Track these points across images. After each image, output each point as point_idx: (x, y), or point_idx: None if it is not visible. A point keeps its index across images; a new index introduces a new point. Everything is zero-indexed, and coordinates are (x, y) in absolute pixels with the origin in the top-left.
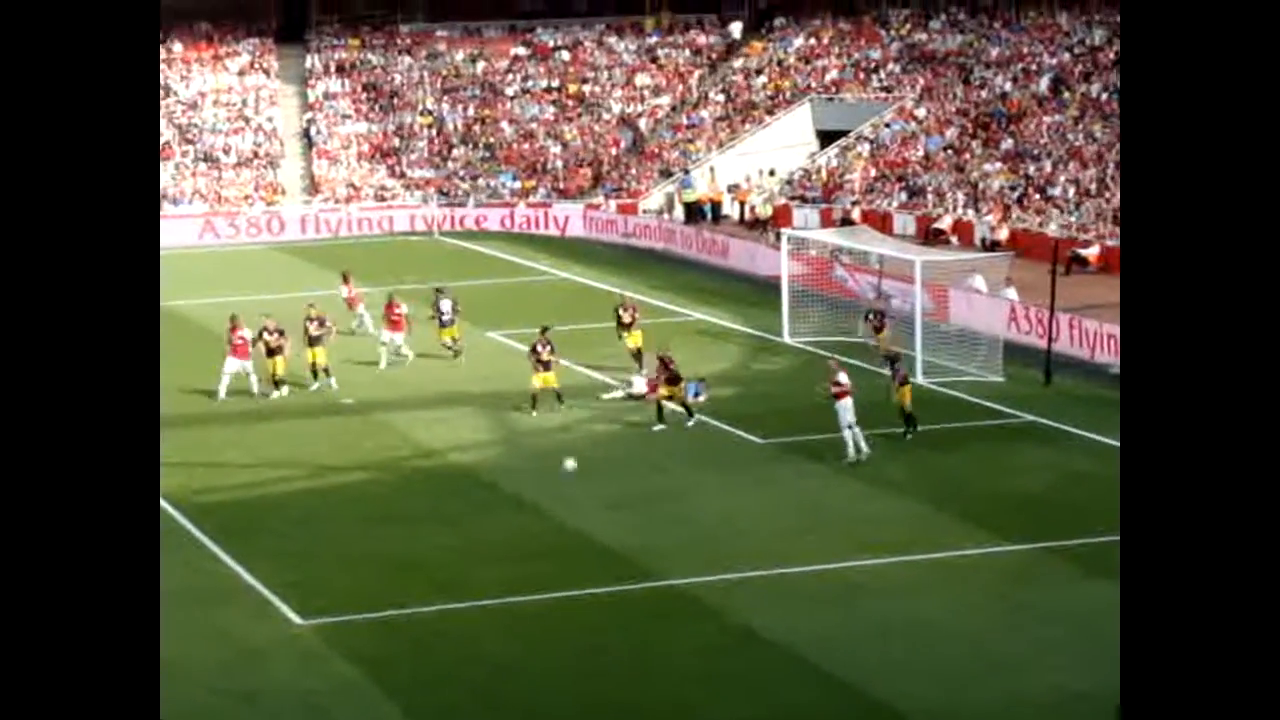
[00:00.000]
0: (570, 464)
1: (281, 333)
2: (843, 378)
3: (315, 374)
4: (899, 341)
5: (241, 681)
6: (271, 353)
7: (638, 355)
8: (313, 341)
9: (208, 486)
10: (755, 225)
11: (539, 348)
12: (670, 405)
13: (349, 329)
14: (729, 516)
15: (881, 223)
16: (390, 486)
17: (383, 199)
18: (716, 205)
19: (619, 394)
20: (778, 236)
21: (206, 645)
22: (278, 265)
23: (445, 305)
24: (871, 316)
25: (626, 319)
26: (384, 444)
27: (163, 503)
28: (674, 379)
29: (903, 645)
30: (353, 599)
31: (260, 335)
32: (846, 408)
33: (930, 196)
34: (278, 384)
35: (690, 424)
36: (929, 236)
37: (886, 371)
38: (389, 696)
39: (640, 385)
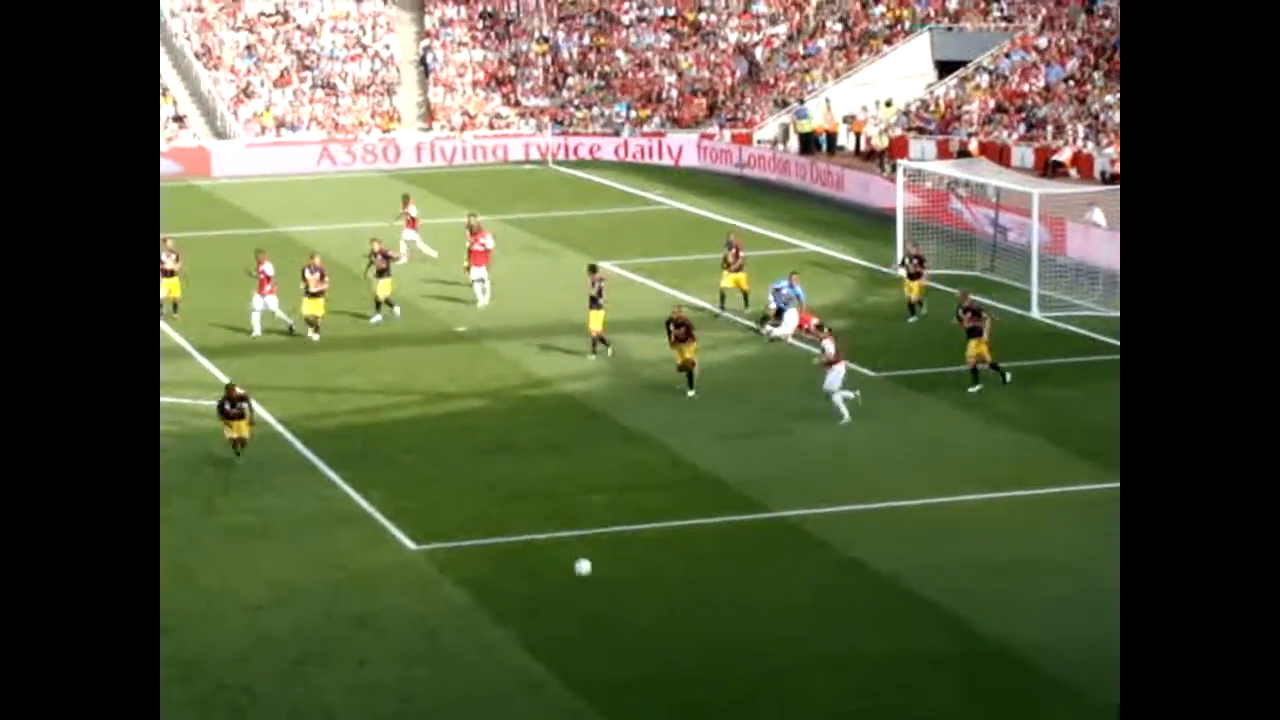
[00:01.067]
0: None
1: (323, 274)
2: (828, 345)
3: (378, 306)
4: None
5: (355, 605)
6: (312, 295)
7: (723, 297)
8: (380, 274)
9: (326, 412)
10: (871, 156)
11: (597, 285)
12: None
13: (416, 255)
14: (840, 450)
15: (999, 155)
16: (502, 415)
17: (497, 127)
18: (832, 136)
19: (774, 331)
20: (893, 168)
21: (323, 570)
22: (393, 193)
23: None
24: (909, 262)
25: (731, 258)
26: (495, 373)
27: (282, 429)
28: (685, 337)
29: (1014, 581)
30: (465, 525)
31: (302, 274)
32: (836, 374)
33: (1050, 128)
34: (311, 324)
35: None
36: (1048, 169)
37: (953, 320)
38: (499, 622)
39: (789, 324)
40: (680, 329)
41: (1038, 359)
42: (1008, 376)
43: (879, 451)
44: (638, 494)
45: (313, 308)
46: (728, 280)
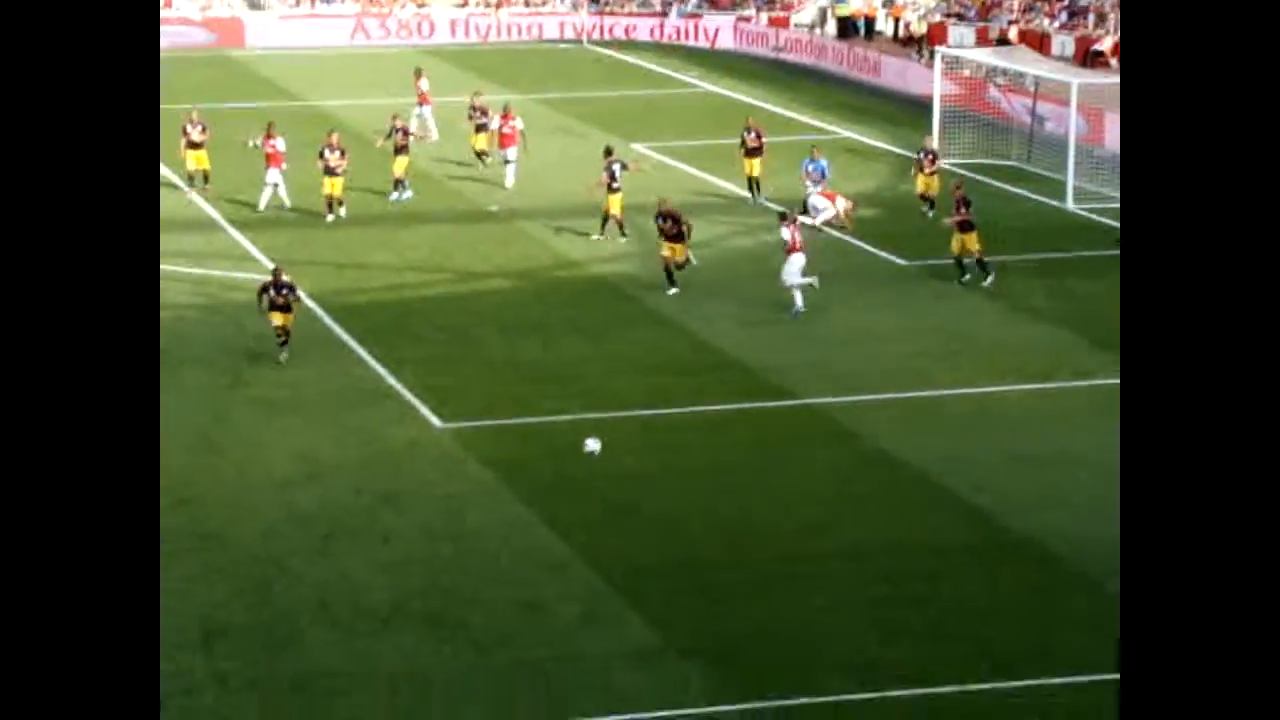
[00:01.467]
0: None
1: (343, 152)
2: (785, 233)
3: (396, 185)
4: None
5: (382, 482)
6: (330, 172)
7: (752, 184)
8: (397, 151)
9: (356, 288)
10: (909, 42)
11: (615, 169)
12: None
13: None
14: (868, 337)
15: (1039, 43)
16: (531, 295)
17: (533, 4)
18: (870, 21)
19: (817, 219)
20: (931, 55)
21: (350, 446)
22: (426, 69)
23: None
24: (923, 155)
25: (752, 142)
26: (526, 253)
27: (312, 304)
28: (677, 237)
29: (1040, 473)
30: (491, 405)
31: (320, 154)
32: (794, 262)
33: (1091, 17)
34: (331, 205)
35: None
36: (1088, 59)
37: (946, 218)
38: (523, 501)
39: (825, 212)
40: (669, 223)
41: (1070, 251)
42: (990, 279)
43: (908, 341)
44: (664, 378)
45: (332, 186)
46: (748, 167)
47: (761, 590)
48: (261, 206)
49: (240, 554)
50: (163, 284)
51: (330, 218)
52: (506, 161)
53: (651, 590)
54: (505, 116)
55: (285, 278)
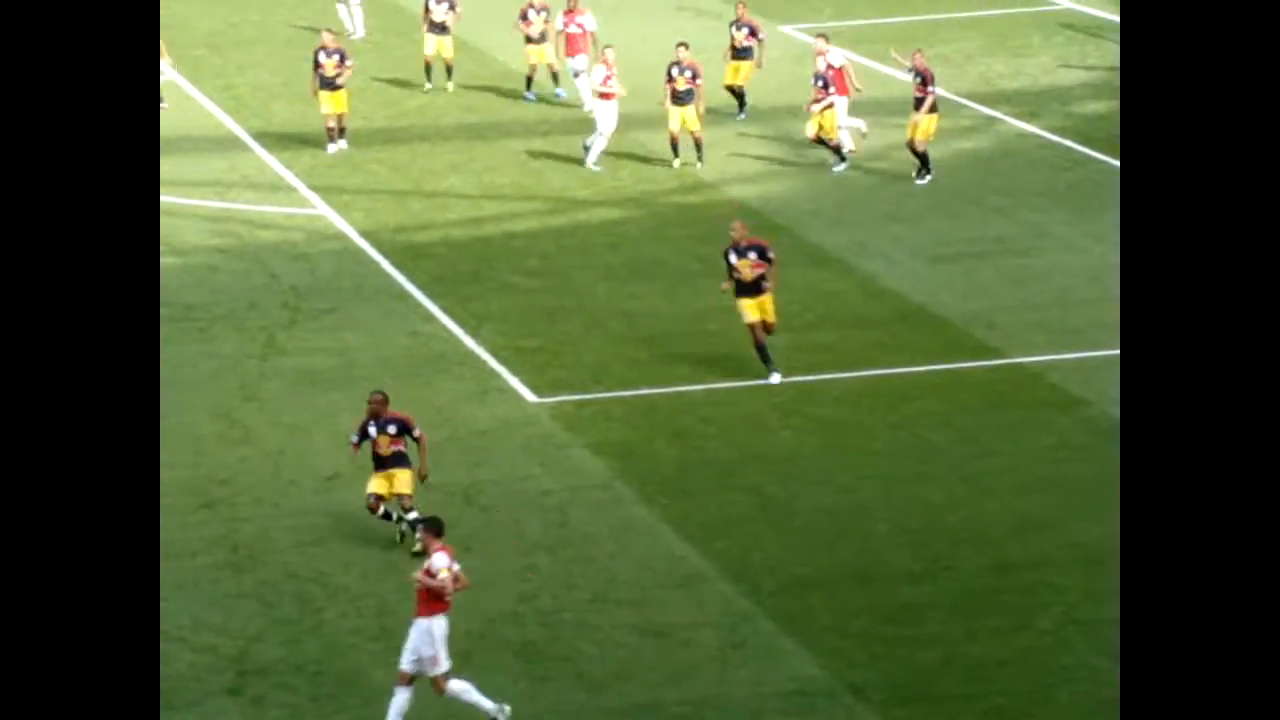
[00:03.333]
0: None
1: (343, 56)
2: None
3: (428, 72)
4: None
5: (460, 475)
6: (326, 85)
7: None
8: (436, 29)
9: (422, 223)
10: None
11: (674, 73)
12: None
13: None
14: (1090, 275)
15: None
16: (648, 228)
17: None
18: None
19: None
20: None
21: (421, 428)
22: None
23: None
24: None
25: (742, 41)
26: (639, 174)
27: (365, 245)
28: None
29: None
30: (599, 372)
31: (315, 59)
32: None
33: None
34: (331, 130)
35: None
36: None
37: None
38: (642, 498)
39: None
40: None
41: None
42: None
43: None
44: (827, 333)
45: (332, 103)
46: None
47: (962, 609)
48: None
49: (279, 570)
50: (175, 221)
51: (332, 148)
52: (575, 74)
53: (814, 611)
54: (571, 12)
55: (393, 412)
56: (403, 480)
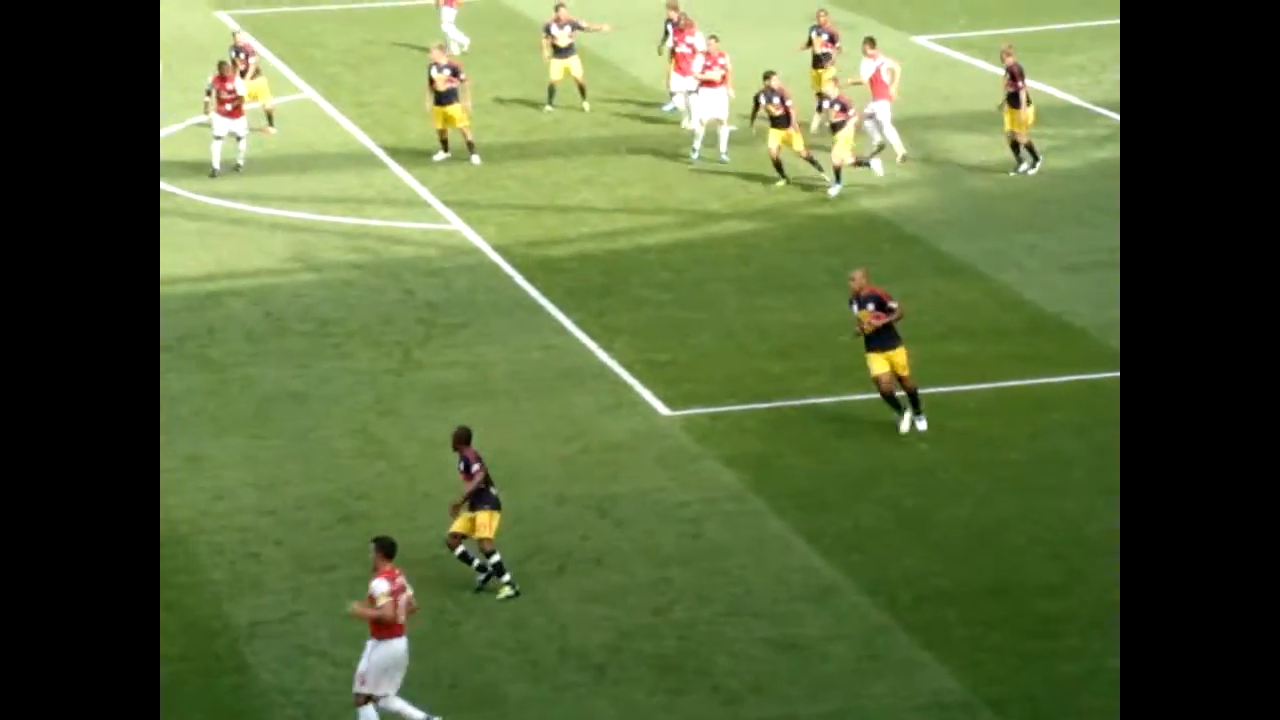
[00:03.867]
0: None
1: (455, 70)
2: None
3: (550, 94)
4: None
5: (594, 488)
6: (440, 100)
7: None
8: (560, 53)
9: (554, 237)
10: None
11: (762, 100)
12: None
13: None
14: None
15: None
16: (781, 241)
17: None
18: None
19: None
20: None
21: (553, 441)
22: None
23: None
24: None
25: (823, 46)
26: (773, 186)
27: (499, 259)
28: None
29: None
30: (732, 385)
31: (428, 74)
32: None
33: None
34: (444, 141)
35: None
36: None
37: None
38: (776, 511)
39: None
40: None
41: None
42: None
43: None
44: (960, 344)
45: (441, 119)
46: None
47: (1102, 621)
48: (216, 166)
49: (414, 584)
50: (311, 237)
51: (438, 157)
52: (686, 93)
53: (952, 624)
54: (681, 30)
55: (466, 449)
56: (483, 523)
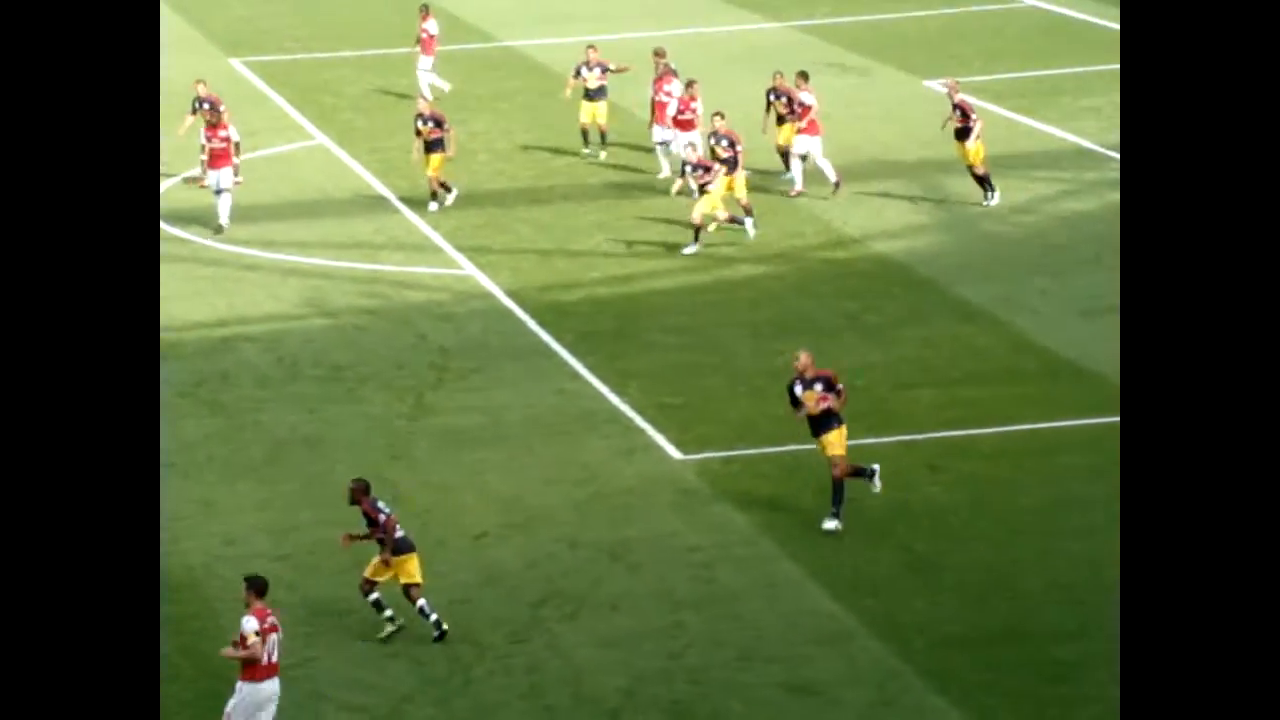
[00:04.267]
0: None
1: (439, 122)
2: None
3: (585, 137)
4: None
5: (607, 533)
6: (429, 150)
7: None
8: (589, 95)
9: (566, 281)
10: None
11: (711, 140)
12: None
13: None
14: None
15: None
16: (793, 285)
17: None
18: None
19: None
20: None
21: (566, 485)
22: None
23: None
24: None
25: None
26: (787, 228)
27: (511, 304)
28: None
29: None
30: (745, 429)
31: (415, 127)
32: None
33: None
34: (437, 190)
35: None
36: None
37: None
38: (789, 555)
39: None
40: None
41: None
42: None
43: None
44: (975, 388)
45: (431, 165)
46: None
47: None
48: (224, 221)
49: (427, 629)
50: (324, 282)
51: (433, 206)
52: (662, 143)
53: (965, 669)
54: (660, 79)
55: (367, 505)
56: (412, 570)
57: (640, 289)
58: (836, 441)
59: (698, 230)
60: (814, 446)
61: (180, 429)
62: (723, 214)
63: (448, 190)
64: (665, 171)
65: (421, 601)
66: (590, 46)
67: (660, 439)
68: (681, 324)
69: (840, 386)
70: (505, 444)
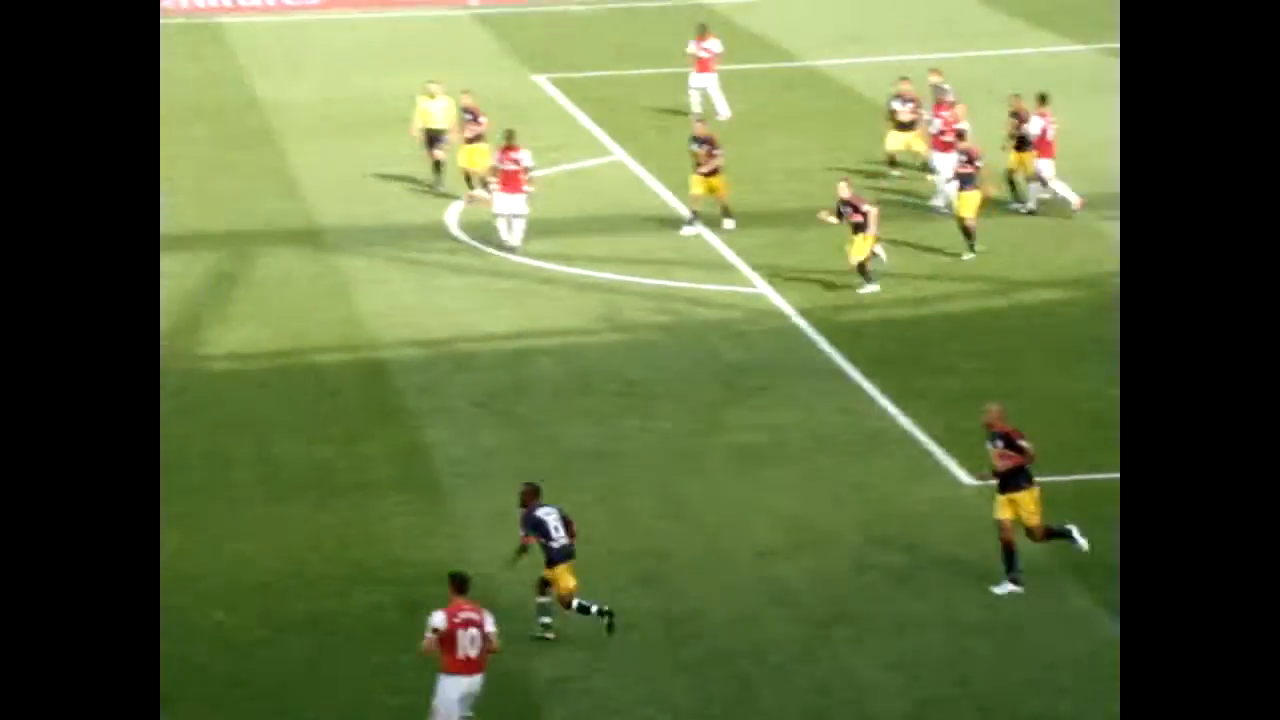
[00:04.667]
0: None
1: (712, 146)
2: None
3: (892, 164)
4: None
5: (895, 556)
6: (703, 173)
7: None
8: (901, 127)
9: (857, 302)
10: None
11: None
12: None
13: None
14: None
15: None
16: (1091, 310)
17: None
18: None
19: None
20: None
21: (852, 508)
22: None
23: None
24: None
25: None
26: (1087, 254)
27: (803, 323)
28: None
29: None
30: (1042, 455)
31: (692, 150)
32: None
33: None
34: (728, 207)
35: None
36: None
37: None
38: (1086, 585)
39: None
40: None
41: None
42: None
43: None
44: None
45: (699, 185)
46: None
47: None
48: (516, 241)
49: (714, 645)
50: (618, 297)
51: (689, 232)
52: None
53: None
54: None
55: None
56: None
57: (933, 312)
58: (1029, 506)
59: (862, 267)
60: (1106, 476)
61: (475, 439)
62: (879, 248)
63: (727, 215)
64: (937, 199)
65: (576, 601)
66: (903, 78)
67: (952, 463)
68: (977, 348)
69: (1024, 444)
70: (794, 463)
